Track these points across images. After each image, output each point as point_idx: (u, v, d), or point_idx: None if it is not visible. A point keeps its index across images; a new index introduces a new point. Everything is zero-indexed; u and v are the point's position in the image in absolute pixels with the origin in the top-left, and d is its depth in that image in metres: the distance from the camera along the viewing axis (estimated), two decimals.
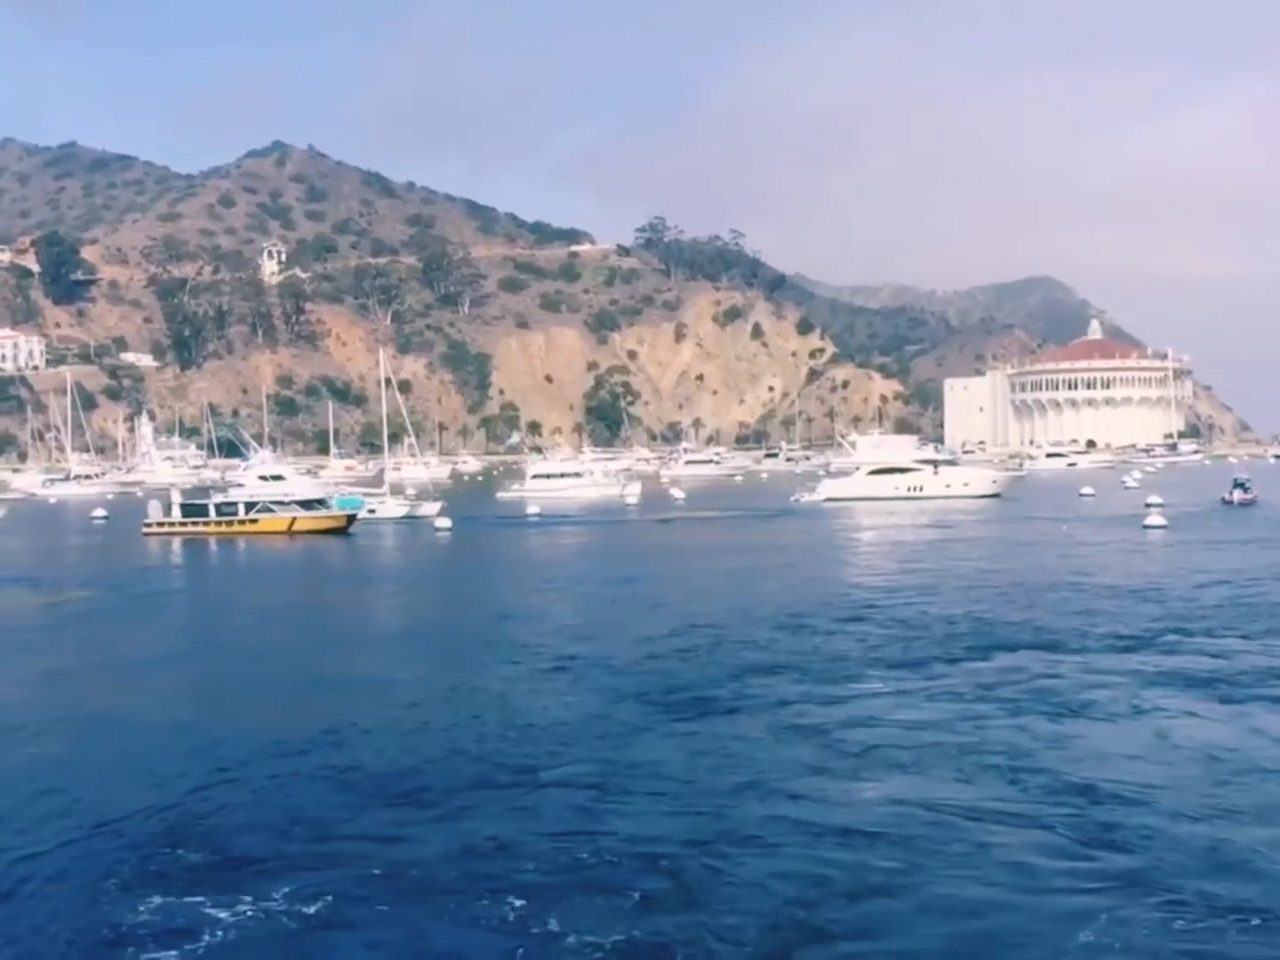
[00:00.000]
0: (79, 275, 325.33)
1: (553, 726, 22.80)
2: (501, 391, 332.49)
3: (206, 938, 13.29)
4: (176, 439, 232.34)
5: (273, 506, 77.69)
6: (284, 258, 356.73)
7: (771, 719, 23.11)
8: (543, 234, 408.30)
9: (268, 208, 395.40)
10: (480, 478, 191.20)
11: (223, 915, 13.84)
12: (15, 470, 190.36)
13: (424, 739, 22.19)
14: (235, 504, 78.87)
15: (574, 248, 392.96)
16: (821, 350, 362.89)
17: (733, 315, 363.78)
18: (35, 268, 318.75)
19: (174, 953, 12.93)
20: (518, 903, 14.09)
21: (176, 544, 73.02)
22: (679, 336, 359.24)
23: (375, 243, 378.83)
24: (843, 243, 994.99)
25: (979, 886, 14.30)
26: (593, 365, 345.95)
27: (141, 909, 14.10)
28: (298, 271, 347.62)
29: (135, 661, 32.71)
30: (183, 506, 79.97)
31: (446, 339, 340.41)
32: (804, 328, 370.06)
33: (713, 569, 53.66)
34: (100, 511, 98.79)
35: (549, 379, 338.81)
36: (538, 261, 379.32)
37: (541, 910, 13.84)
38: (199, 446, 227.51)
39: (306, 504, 78.69)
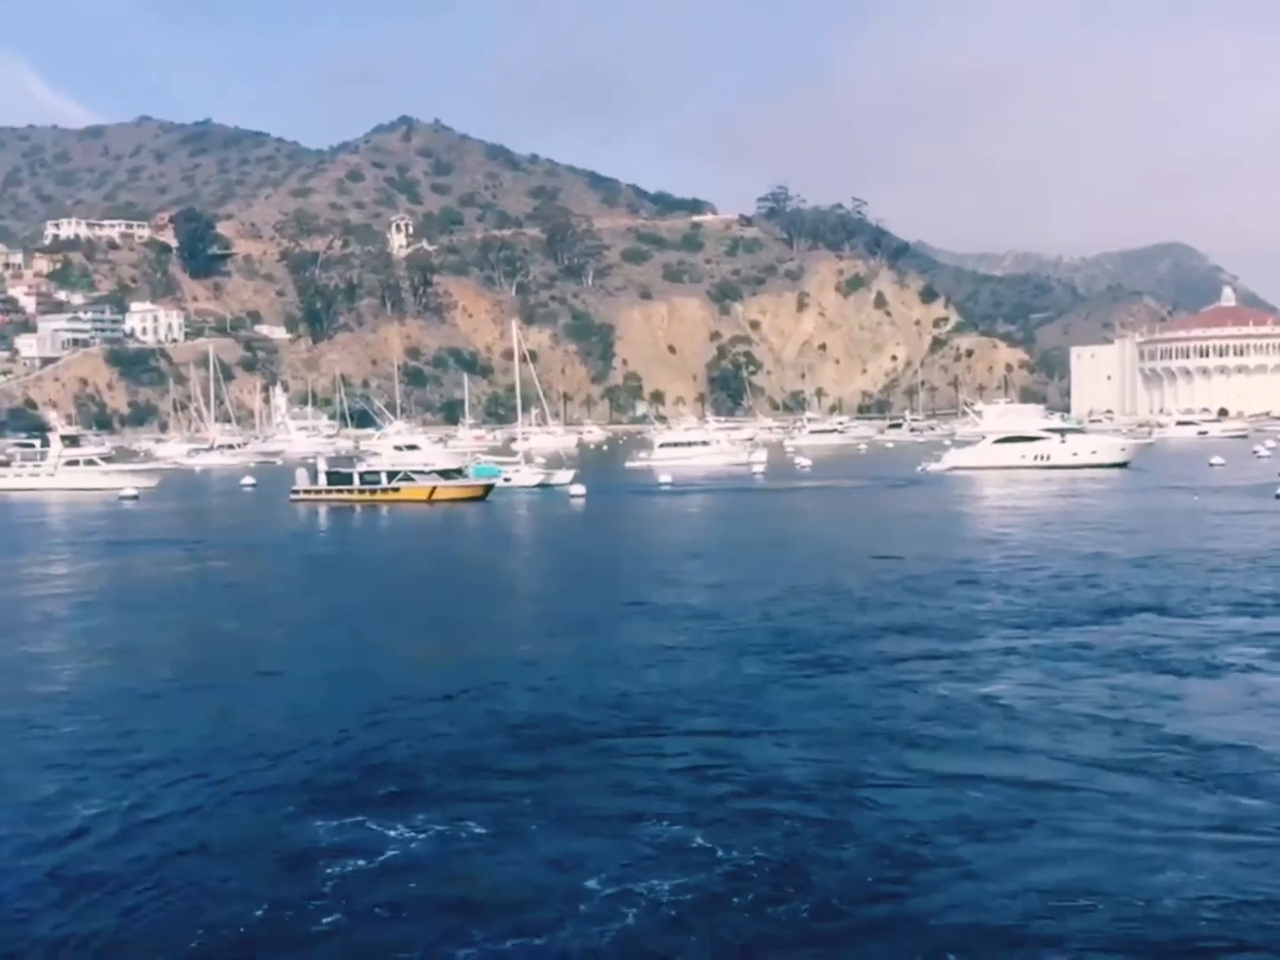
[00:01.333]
0: (215, 250, 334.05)
1: (687, 679, 24.48)
2: (625, 362, 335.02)
3: (380, 854, 15.05)
4: (309, 409, 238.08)
5: (414, 475, 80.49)
6: (411, 231, 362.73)
7: (893, 674, 24.54)
8: (665, 204, 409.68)
9: (395, 182, 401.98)
10: (605, 447, 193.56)
11: (391, 834, 15.66)
12: (158, 440, 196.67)
13: (563, 689, 23.94)
14: (378, 473, 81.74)
15: (696, 218, 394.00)
16: (945, 319, 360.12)
17: (855, 284, 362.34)
18: (173, 243, 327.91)
19: (359, 863, 14.73)
20: (665, 827, 15.77)
21: (323, 510, 76.13)
22: (801, 306, 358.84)
23: (500, 215, 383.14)
24: (966, 210, 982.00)
25: (1092, 826, 15.46)
26: (715, 335, 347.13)
27: (319, 828, 16.00)
28: (425, 244, 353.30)
29: (302, 615, 35.37)
30: (328, 475, 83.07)
31: (570, 310, 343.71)
32: (927, 296, 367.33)
33: (840, 536, 55.03)
34: (249, 479, 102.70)
35: (672, 349, 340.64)
36: (660, 232, 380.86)
37: (690, 833, 15.50)
38: (330, 417, 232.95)
39: (446, 473, 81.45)
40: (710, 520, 66.54)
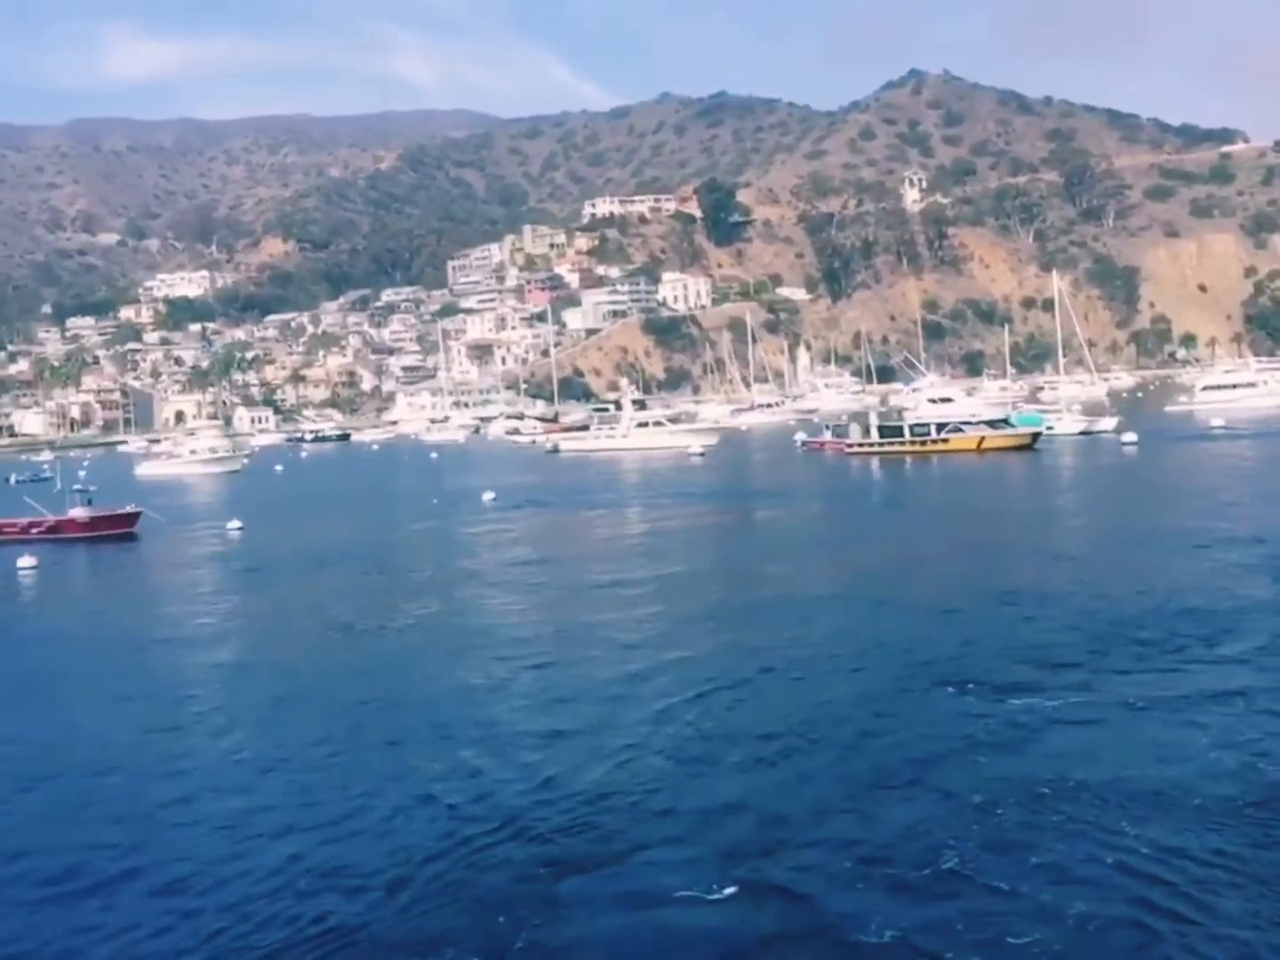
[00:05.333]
0: (736, 217, 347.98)
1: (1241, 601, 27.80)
2: (1151, 304, 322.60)
3: (991, 716, 19.72)
4: (832, 367, 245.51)
5: (962, 426, 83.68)
6: (924, 185, 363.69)
7: None
8: (1190, 136, 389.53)
9: (906, 137, 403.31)
10: (1139, 393, 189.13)
11: (1001, 705, 20.38)
12: (698, 402, 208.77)
13: (1127, 604, 27.80)
14: (928, 425, 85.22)
15: (1225, 148, 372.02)
16: None
17: None
18: (697, 213, 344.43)
19: (987, 722, 19.38)
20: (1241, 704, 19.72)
21: (875, 463, 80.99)
22: None
23: (1014, 162, 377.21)
24: None
25: None
26: (1250, 271, 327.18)
27: (956, 700, 20.90)
28: (938, 197, 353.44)
29: (908, 550, 40.54)
30: (880, 428, 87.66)
31: (1091, 254, 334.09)
32: None
33: None
34: (802, 435, 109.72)
35: (1202, 288, 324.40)
36: (1186, 166, 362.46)
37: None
38: (852, 373, 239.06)
39: (993, 423, 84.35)
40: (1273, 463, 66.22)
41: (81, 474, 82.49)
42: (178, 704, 24.88)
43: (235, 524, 60.20)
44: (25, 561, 48.67)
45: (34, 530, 58.51)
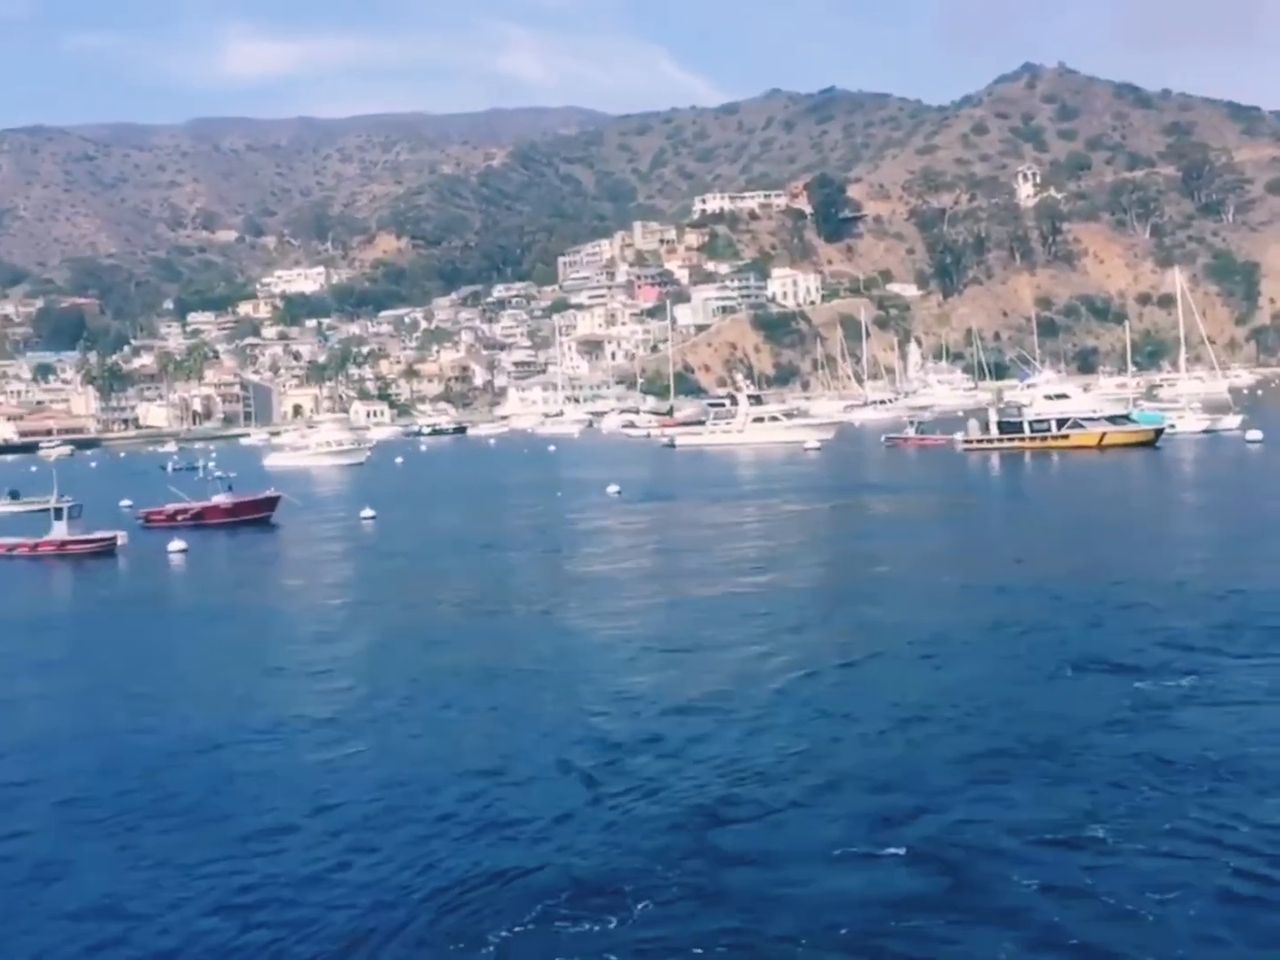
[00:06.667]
0: (846, 213, 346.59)
1: None
2: (1271, 300, 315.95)
3: (1118, 700, 20.89)
4: (944, 363, 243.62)
5: (1083, 422, 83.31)
6: (1038, 179, 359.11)
7: None
8: None
9: (1020, 131, 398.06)
10: (1259, 391, 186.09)
11: (1122, 689, 21.41)
12: (808, 398, 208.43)
13: (1246, 596, 28.84)
14: (1048, 421, 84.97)
15: None
16: None
17: None
18: (807, 209, 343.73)
19: (1111, 704, 20.60)
20: None
21: (995, 458, 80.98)
22: None
23: (1130, 156, 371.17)
24: None
25: None
26: None
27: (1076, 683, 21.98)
28: (1052, 192, 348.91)
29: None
30: (1000, 424, 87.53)
31: (1210, 249, 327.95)
32: None
33: None
34: (912, 431, 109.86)
35: None
36: None
37: None
38: (964, 370, 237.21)
39: (1114, 419, 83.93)
40: None
41: (211, 464, 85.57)
42: (341, 673, 26.61)
43: (368, 512, 62.31)
44: (175, 545, 51.05)
45: (180, 517, 61.02)
